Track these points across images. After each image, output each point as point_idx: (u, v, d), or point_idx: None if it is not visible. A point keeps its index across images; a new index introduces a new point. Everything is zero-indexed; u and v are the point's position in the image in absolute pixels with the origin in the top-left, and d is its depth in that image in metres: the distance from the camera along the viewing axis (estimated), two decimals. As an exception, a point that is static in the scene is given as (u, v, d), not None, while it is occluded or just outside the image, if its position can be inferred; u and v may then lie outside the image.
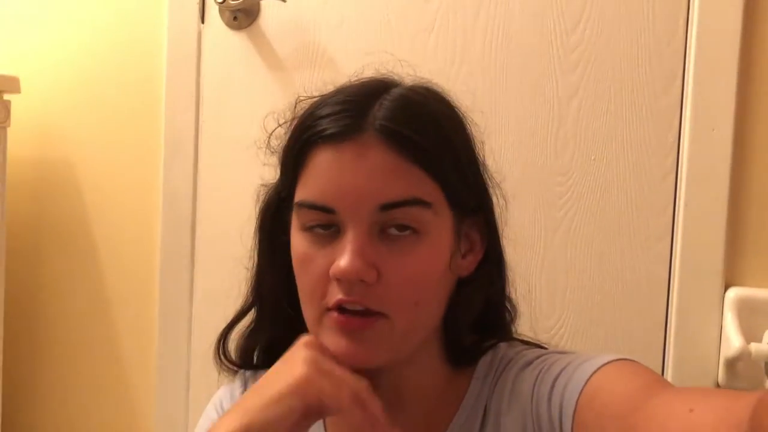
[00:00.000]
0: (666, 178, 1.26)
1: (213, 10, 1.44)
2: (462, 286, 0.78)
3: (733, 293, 1.21)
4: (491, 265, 0.80)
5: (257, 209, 0.83)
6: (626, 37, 1.26)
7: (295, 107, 0.79)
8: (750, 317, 1.19)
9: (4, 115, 1.42)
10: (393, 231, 0.71)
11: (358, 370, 0.70)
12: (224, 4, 1.41)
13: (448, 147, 0.74)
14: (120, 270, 1.55)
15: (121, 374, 1.55)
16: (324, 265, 0.71)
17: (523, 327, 0.89)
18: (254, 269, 0.84)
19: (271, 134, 0.81)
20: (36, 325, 1.60)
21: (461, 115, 0.79)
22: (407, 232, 0.71)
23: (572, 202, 1.29)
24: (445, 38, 1.33)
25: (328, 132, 0.71)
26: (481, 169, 0.80)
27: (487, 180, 0.80)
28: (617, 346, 1.27)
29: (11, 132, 1.44)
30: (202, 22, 1.45)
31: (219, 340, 0.87)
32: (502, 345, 0.82)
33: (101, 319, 1.56)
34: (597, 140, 1.28)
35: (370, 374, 0.73)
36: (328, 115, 0.72)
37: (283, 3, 1.38)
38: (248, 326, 0.86)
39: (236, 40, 1.44)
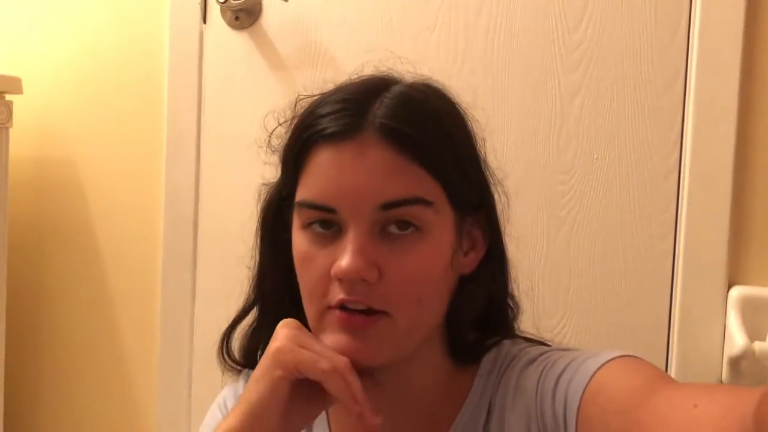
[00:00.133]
0: (669, 176, 1.25)
1: (214, 9, 1.44)
2: (464, 284, 0.78)
3: (736, 292, 1.21)
4: (493, 263, 0.80)
5: (259, 208, 0.83)
6: (628, 35, 1.26)
7: (295, 106, 0.79)
8: (753, 316, 1.19)
9: (6, 115, 1.42)
10: (394, 230, 0.70)
11: (360, 369, 0.70)
12: (226, 3, 1.40)
13: (448, 144, 0.74)
14: (122, 269, 1.55)
15: (123, 373, 1.55)
16: (325, 265, 0.71)
17: (527, 325, 0.89)
18: (256, 268, 0.84)
19: (271, 133, 0.81)
20: (38, 324, 1.60)
21: (462, 112, 0.79)
22: (408, 231, 0.71)
23: (575, 200, 1.29)
24: (447, 37, 1.33)
25: (328, 131, 0.71)
26: (483, 166, 0.79)
27: (489, 177, 0.80)
28: (620, 344, 1.27)
29: (13, 132, 1.44)
30: (204, 22, 1.45)
31: (222, 340, 0.87)
32: (506, 342, 0.81)
33: (103, 318, 1.56)
34: (599, 138, 1.28)
35: (373, 372, 0.73)
36: (328, 114, 0.72)
37: (284, 2, 1.38)
38: (251, 325, 0.86)
39: (238, 39, 1.44)
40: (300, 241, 0.74)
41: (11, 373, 1.50)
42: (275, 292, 0.81)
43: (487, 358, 0.80)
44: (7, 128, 1.43)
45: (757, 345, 1.13)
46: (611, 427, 0.64)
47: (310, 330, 0.74)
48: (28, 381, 1.61)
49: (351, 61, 1.37)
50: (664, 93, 1.25)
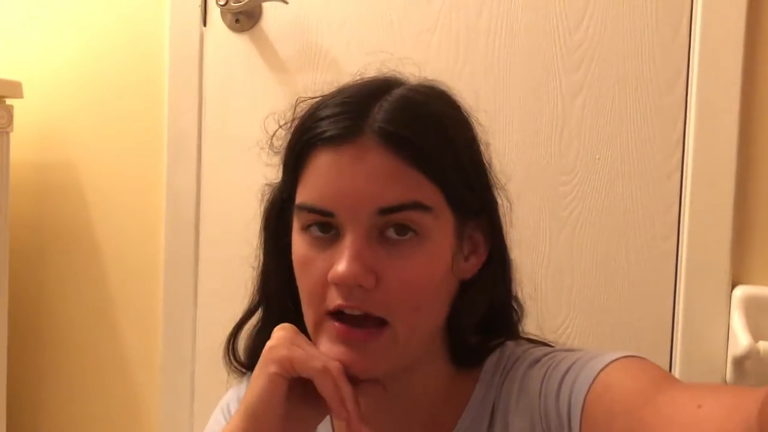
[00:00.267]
0: (671, 176, 1.25)
1: (215, 12, 1.44)
2: (465, 289, 0.77)
3: (740, 291, 1.20)
4: (495, 267, 0.79)
5: (261, 208, 0.83)
6: (630, 35, 1.26)
7: (295, 108, 0.78)
8: (757, 315, 1.18)
9: (6, 119, 1.42)
10: (392, 234, 0.70)
11: (357, 378, 0.70)
12: (226, 6, 1.40)
13: (449, 149, 0.73)
14: (124, 271, 1.54)
15: (125, 375, 1.55)
16: (323, 269, 0.70)
17: (530, 327, 0.89)
18: (259, 269, 0.84)
19: (273, 135, 0.81)
20: (40, 327, 1.60)
21: (465, 115, 0.78)
22: (407, 236, 0.70)
23: (577, 201, 1.29)
24: (448, 38, 1.33)
25: (328, 134, 0.70)
26: (485, 170, 0.79)
27: (491, 181, 0.79)
28: (624, 345, 1.26)
29: (14, 136, 1.44)
30: (204, 24, 1.45)
31: (228, 341, 0.87)
32: (510, 344, 0.81)
33: (105, 321, 1.56)
34: (601, 139, 1.27)
35: (376, 380, 0.72)
36: (327, 117, 0.72)
37: (285, 5, 1.38)
38: (255, 326, 0.85)
39: (238, 42, 1.44)
40: (299, 244, 0.73)
41: (13, 375, 1.50)
42: (278, 293, 0.81)
43: (490, 361, 0.79)
44: (7, 132, 1.42)
45: (762, 345, 1.13)
46: (615, 427, 0.64)
47: (308, 336, 0.74)
48: (30, 383, 1.61)
49: (352, 62, 1.37)
50: (666, 92, 1.25)
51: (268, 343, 0.71)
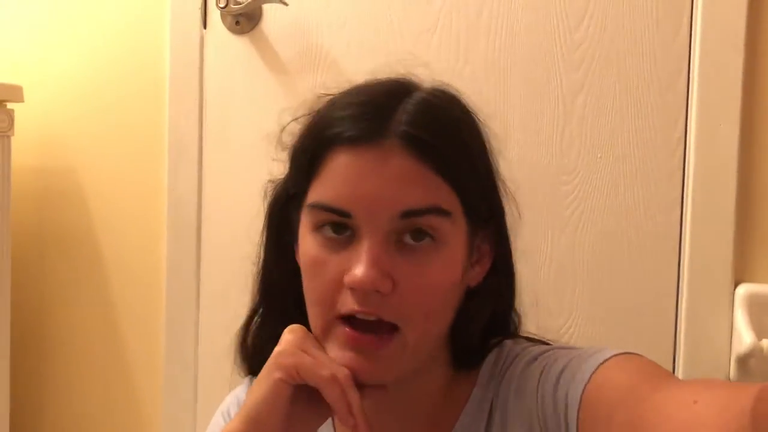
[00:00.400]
0: (673, 174, 1.25)
1: (215, 14, 1.44)
2: (470, 297, 0.77)
3: (743, 289, 1.20)
4: (501, 277, 0.79)
5: (265, 204, 0.82)
6: (630, 34, 1.26)
7: (312, 106, 0.77)
8: (761, 313, 1.18)
9: (7, 124, 1.42)
10: (408, 240, 0.69)
11: (363, 383, 0.70)
12: (226, 8, 1.40)
13: (467, 155, 0.73)
14: (126, 276, 1.54)
15: (128, 381, 1.55)
16: (336, 271, 0.69)
17: (531, 327, 0.89)
18: (260, 265, 0.83)
19: (283, 129, 0.80)
20: (42, 332, 1.60)
21: (480, 123, 0.78)
22: (424, 242, 0.69)
23: (578, 201, 1.29)
24: (449, 38, 1.33)
25: (348, 134, 0.69)
26: (496, 178, 0.78)
27: (501, 190, 0.79)
28: (627, 344, 1.24)
29: (15, 141, 1.44)
30: (204, 27, 1.45)
31: (239, 343, 0.86)
32: (508, 342, 0.81)
33: (108, 326, 1.55)
34: (603, 138, 1.27)
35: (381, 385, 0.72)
36: (347, 117, 0.71)
37: (285, 6, 1.38)
38: (254, 324, 0.85)
39: (239, 44, 1.44)
40: (310, 244, 0.72)
41: (16, 381, 1.50)
42: (280, 291, 0.80)
43: (488, 360, 0.79)
44: (8, 136, 1.42)
45: (765, 343, 1.13)
46: (613, 424, 0.64)
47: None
48: (33, 389, 1.61)
49: (352, 63, 1.37)
50: (667, 91, 1.25)
51: (277, 348, 0.71)
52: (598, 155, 1.28)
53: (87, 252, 1.56)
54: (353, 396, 0.68)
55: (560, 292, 1.29)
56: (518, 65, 1.30)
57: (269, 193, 0.82)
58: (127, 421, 1.56)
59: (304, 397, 0.69)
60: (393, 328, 0.70)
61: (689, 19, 1.24)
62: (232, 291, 1.38)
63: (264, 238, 0.82)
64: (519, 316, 0.85)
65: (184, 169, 1.47)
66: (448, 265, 0.71)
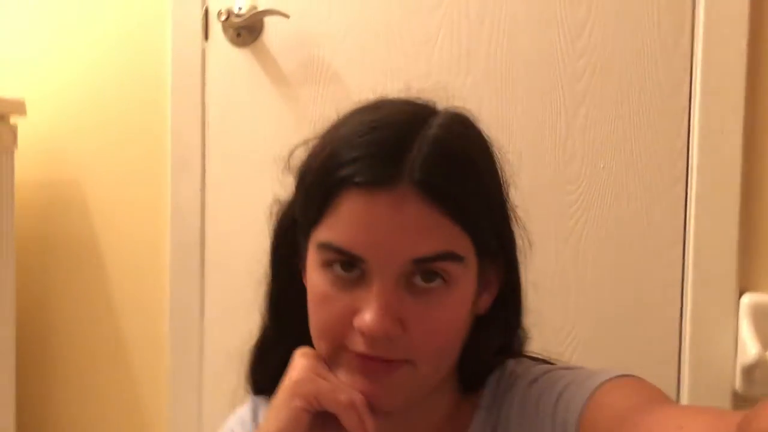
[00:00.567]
0: (676, 183, 1.25)
1: (216, 27, 1.44)
2: (479, 324, 0.76)
3: (747, 299, 1.20)
4: (509, 306, 0.79)
5: (271, 227, 0.82)
6: (632, 43, 1.26)
7: (321, 132, 0.76)
8: (766, 323, 1.18)
9: (10, 139, 1.42)
10: (419, 282, 0.68)
11: (375, 410, 0.69)
12: (227, 21, 1.41)
13: (483, 198, 0.72)
14: (130, 289, 1.54)
15: (133, 392, 1.55)
16: (344, 310, 0.69)
17: (535, 337, 0.88)
18: (270, 288, 0.83)
19: (291, 153, 0.79)
20: (47, 345, 1.60)
21: (495, 156, 0.76)
22: (434, 283, 0.69)
23: (582, 210, 1.28)
24: (450, 49, 1.33)
25: (360, 179, 0.68)
26: (508, 211, 0.78)
27: (512, 220, 0.78)
28: (631, 355, 1.26)
29: (18, 154, 1.44)
30: (206, 39, 1.45)
31: (250, 363, 0.85)
32: (510, 362, 0.81)
33: (113, 338, 1.55)
34: (605, 147, 1.27)
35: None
36: (359, 159, 0.68)
37: (286, 18, 1.38)
38: (263, 346, 0.84)
39: (240, 56, 1.44)
40: (318, 279, 0.71)
41: (21, 392, 1.50)
42: (290, 312, 0.80)
43: (491, 381, 0.79)
44: (11, 151, 1.43)
45: (771, 353, 1.13)
46: None
47: None
48: (38, 399, 1.60)
49: (354, 75, 1.37)
50: (669, 99, 1.25)
51: (292, 374, 0.70)
52: (601, 164, 1.27)
53: (91, 264, 1.56)
54: (369, 422, 0.68)
55: (564, 302, 1.29)
56: (520, 75, 1.30)
57: (275, 214, 0.81)
58: (133, 429, 1.55)
59: (319, 423, 0.69)
60: (405, 363, 0.70)
61: (691, 27, 1.24)
62: (236, 300, 1.38)
63: (271, 260, 0.82)
64: (525, 334, 0.84)
65: (186, 180, 1.47)
66: (458, 305, 0.71)
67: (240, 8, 1.40)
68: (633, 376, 0.72)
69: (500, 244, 0.76)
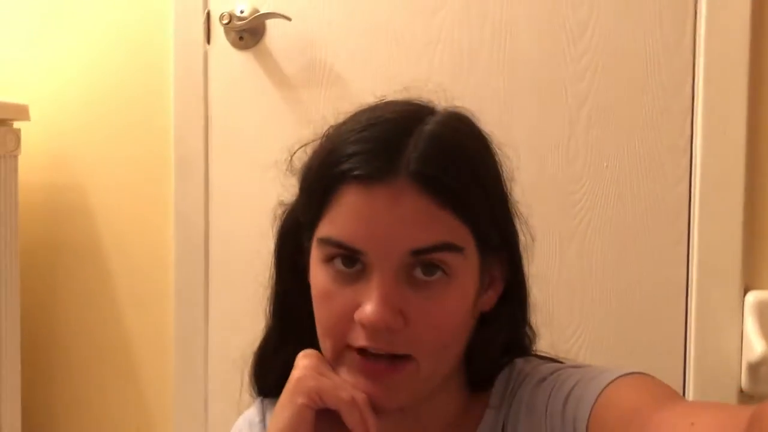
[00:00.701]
0: (680, 182, 1.25)
1: (218, 30, 1.44)
2: (484, 322, 0.76)
3: (752, 297, 1.20)
4: (514, 304, 0.79)
5: (275, 230, 0.82)
6: (634, 43, 1.26)
7: (323, 134, 0.77)
8: (771, 321, 1.18)
9: (14, 143, 1.42)
10: (419, 274, 0.69)
11: (378, 409, 0.70)
12: (229, 24, 1.41)
13: (480, 190, 0.72)
14: (134, 292, 1.55)
15: (138, 394, 1.55)
16: (346, 305, 0.69)
17: (542, 336, 0.88)
18: (274, 290, 0.83)
19: (293, 155, 0.79)
20: (51, 348, 1.60)
21: (494, 151, 0.77)
22: (435, 276, 0.69)
23: (586, 210, 1.28)
24: (452, 50, 1.33)
25: (358, 172, 0.69)
26: (509, 206, 0.78)
27: (514, 217, 0.78)
28: (637, 354, 1.26)
29: (22, 159, 1.45)
30: (208, 42, 1.45)
31: (254, 365, 0.86)
32: (518, 361, 0.81)
33: (117, 340, 1.56)
34: (609, 147, 1.27)
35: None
36: (357, 153, 0.70)
37: (288, 21, 1.38)
38: (268, 348, 0.85)
39: (242, 59, 1.44)
40: (320, 275, 0.72)
41: (27, 394, 1.50)
42: (295, 315, 0.80)
43: (500, 380, 0.79)
44: (15, 155, 1.43)
45: (776, 350, 1.12)
46: None
47: None
48: (43, 402, 1.61)
49: (356, 77, 1.37)
50: (672, 99, 1.25)
51: (295, 373, 0.71)
52: (605, 164, 1.27)
53: (95, 267, 1.57)
54: (371, 420, 0.68)
55: (569, 301, 1.29)
56: (522, 76, 1.30)
57: (279, 218, 0.82)
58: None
59: (324, 421, 0.69)
60: (407, 356, 0.70)
61: (693, 27, 1.24)
62: (240, 304, 1.38)
63: (275, 263, 0.82)
64: (534, 332, 0.84)
65: (190, 183, 1.47)
66: (459, 298, 0.71)
67: (242, 11, 1.41)
68: (642, 373, 0.72)
69: (502, 238, 0.76)
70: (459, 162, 0.71)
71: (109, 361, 1.56)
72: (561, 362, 0.82)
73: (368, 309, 0.67)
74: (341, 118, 0.76)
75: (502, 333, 0.78)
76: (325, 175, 0.72)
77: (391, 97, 0.78)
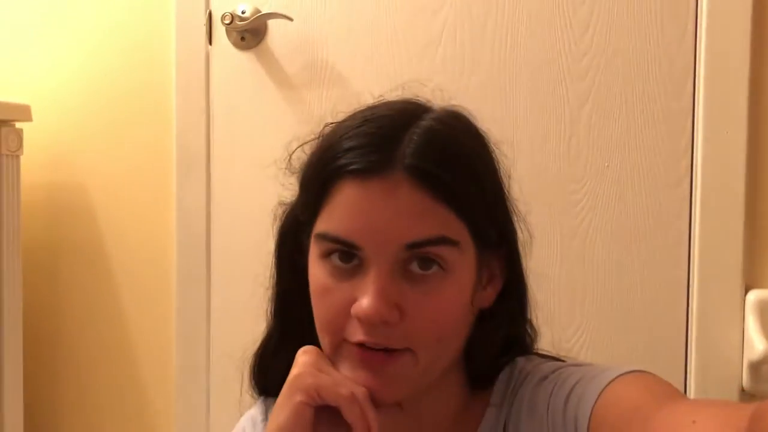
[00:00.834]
0: (681, 181, 1.25)
1: (220, 30, 1.44)
2: (484, 319, 0.77)
3: (753, 296, 1.20)
4: (513, 301, 0.79)
5: (275, 229, 0.82)
6: (635, 42, 1.26)
7: (321, 132, 0.77)
8: (772, 319, 1.18)
9: (17, 143, 1.43)
10: (416, 268, 0.69)
11: (378, 403, 0.70)
12: (231, 24, 1.41)
13: (476, 185, 0.72)
14: (136, 292, 1.55)
15: (140, 395, 1.55)
16: (343, 300, 0.70)
17: (543, 336, 0.88)
18: (275, 290, 0.83)
19: (292, 154, 0.80)
20: (54, 347, 1.60)
21: (490, 148, 0.77)
22: (431, 270, 0.69)
23: (587, 210, 1.28)
24: (453, 50, 1.33)
25: (355, 166, 0.69)
26: (506, 202, 0.78)
27: (512, 213, 0.79)
28: (638, 353, 1.26)
29: (24, 159, 1.45)
30: (210, 43, 1.46)
31: (254, 364, 0.86)
32: (520, 359, 0.81)
33: (120, 341, 1.56)
34: (610, 147, 1.27)
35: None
36: (354, 148, 0.70)
37: (290, 21, 1.38)
38: (268, 347, 0.85)
39: (244, 59, 1.44)
40: (318, 271, 0.72)
41: (29, 395, 1.50)
42: (295, 314, 0.80)
43: (501, 378, 0.79)
44: (18, 156, 1.43)
45: (778, 349, 1.13)
46: None
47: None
48: (46, 402, 1.61)
49: (358, 77, 1.38)
50: (674, 98, 1.25)
51: (294, 370, 0.71)
52: (606, 164, 1.28)
53: (97, 267, 1.57)
54: (371, 415, 0.68)
55: (570, 301, 1.29)
56: (524, 76, 1.30)
57: (279, 217, 0.82)
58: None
59: (324, 419, 0.69)
60: (405, 352, 0.70)
61: (694, 26, 1.24)
62: (242, 303, 1.38)
63: (276, 263, 0.82)
64: (535, 331, 0.84)
65: (192, 183, 1.48)
66: (455, 293, 0.71)
67: (243, 12, 1.41)
68: (644, 371, 0.72)
69: (500, 235, 0.76)
70: (454, 157, 0.71)
71: (111, 359, 1.57)
72: (562, 361, 0.82)
73: (364, 303, 0.67)
74: (340, 117, 0.77)
75: (501, 329, 0.78)
76: (322, 171, 0.72)
77: (388, 97, 0.79)
